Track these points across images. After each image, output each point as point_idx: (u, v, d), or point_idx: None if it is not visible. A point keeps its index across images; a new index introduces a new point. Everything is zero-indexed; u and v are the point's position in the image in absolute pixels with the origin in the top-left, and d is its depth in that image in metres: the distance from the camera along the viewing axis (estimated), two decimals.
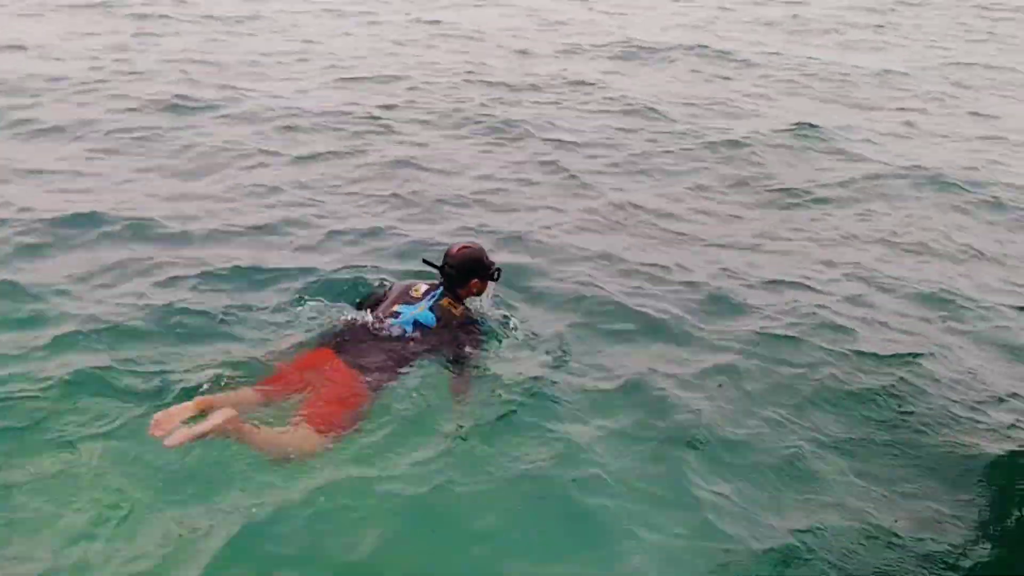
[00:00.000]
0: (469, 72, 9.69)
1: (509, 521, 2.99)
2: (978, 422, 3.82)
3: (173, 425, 2.96)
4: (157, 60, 9.20)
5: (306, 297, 4.29)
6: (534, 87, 9.25)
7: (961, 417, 3.83)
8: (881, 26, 14.80)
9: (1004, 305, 4.98)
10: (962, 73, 11.49)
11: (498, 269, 4.09)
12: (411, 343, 3.73)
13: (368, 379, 3.48)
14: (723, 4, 16.17)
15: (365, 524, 2.89)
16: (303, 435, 3.13)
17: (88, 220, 5.11)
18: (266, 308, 4.22)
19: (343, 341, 3.70)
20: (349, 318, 3.91)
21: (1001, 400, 4.02)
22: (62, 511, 2.83)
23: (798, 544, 3.02)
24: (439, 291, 3.97)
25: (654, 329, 4.43)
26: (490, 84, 9.25)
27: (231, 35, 10.93)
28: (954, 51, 13.00)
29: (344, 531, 2.86)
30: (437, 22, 12.77)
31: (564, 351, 4.11)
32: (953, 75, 11.32)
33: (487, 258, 4.08)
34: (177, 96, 7.78)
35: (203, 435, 2.93)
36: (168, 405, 3.10)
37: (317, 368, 3.50)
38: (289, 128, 7.28)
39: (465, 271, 4.00)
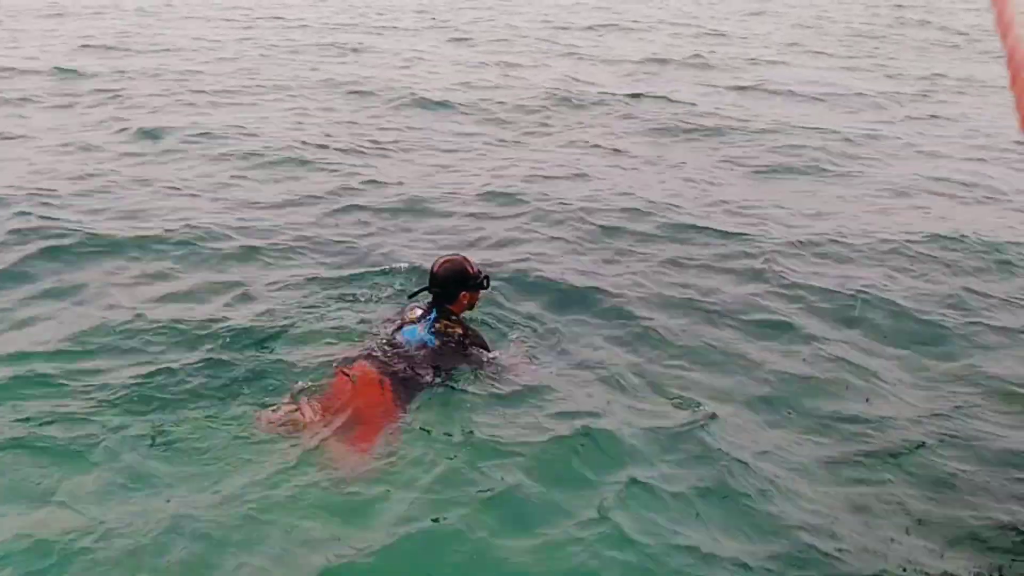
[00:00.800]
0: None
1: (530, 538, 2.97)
2: None
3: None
4: None
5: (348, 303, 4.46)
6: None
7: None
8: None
9: None
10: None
11: (486, 276, 3.98)
12: (426, 363, 3.71)
13: (397, 399, 3.52)
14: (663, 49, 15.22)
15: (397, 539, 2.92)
16: (344, 454, 3.28)
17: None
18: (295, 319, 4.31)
19: (373, 362, 3.69)
20: (376, 341, 3.90)
21: None
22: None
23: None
24: (432, 314, 3.87)
25: (650, 332, 4.52)
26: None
27: None
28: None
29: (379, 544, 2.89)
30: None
31: (571, 354, 4.14)
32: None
33: (472, 267, 3.96)
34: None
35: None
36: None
37: (354, 387, 3.52)
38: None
39: (452, 285, 3.89)
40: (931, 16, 19.50)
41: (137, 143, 7.76)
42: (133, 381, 3.69)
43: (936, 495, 3.39)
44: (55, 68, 10.72)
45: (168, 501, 3.00)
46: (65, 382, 3.69)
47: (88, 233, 5.44)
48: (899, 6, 21.03)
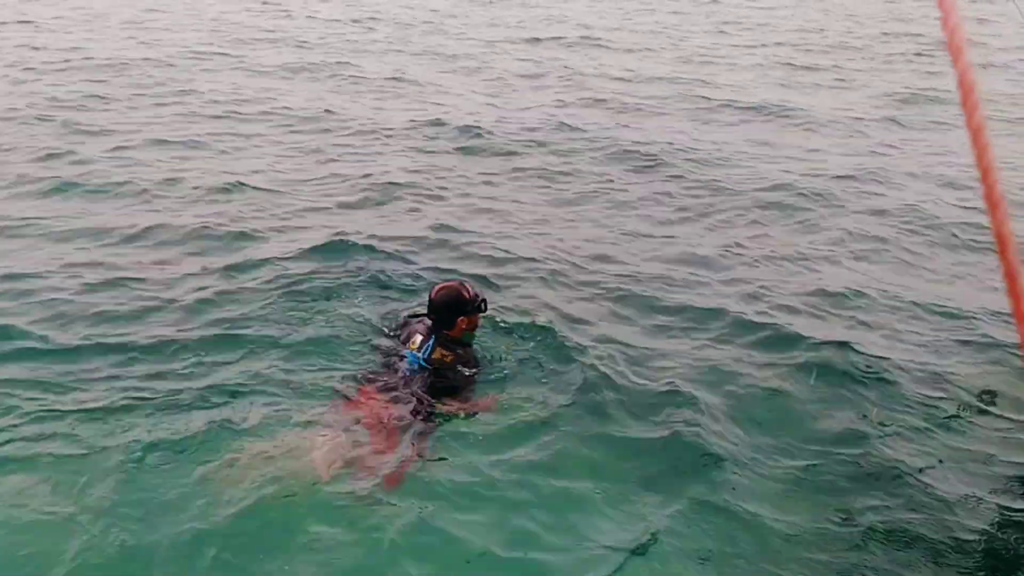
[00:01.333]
0: None
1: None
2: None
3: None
4: None
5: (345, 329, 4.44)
6: None
7: None
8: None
9: None
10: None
11: (483, 300, 3.99)
12: (421, 392, 3.73)
13: (400, 427, 3.56)
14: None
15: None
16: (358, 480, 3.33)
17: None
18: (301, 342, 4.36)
19: (375, 387, 3.73)
20: (380, 363, 3.97)
21: None
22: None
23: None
24: (431, 342, 3.87)
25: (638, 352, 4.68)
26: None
27: None
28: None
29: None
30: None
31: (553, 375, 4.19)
32: None
33: (468, 292, 3.97)
34: None
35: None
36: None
37: (358, 415, 3.58)
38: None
39: (448, 312, 3.90)
40: (914, 28, 19.47)
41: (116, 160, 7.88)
42: (128, 410, 3.79)
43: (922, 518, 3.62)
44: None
45: (176, 527, 3.11)
46: (43, 408, 3.78)
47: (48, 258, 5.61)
48: (885, 19, 21.01)
